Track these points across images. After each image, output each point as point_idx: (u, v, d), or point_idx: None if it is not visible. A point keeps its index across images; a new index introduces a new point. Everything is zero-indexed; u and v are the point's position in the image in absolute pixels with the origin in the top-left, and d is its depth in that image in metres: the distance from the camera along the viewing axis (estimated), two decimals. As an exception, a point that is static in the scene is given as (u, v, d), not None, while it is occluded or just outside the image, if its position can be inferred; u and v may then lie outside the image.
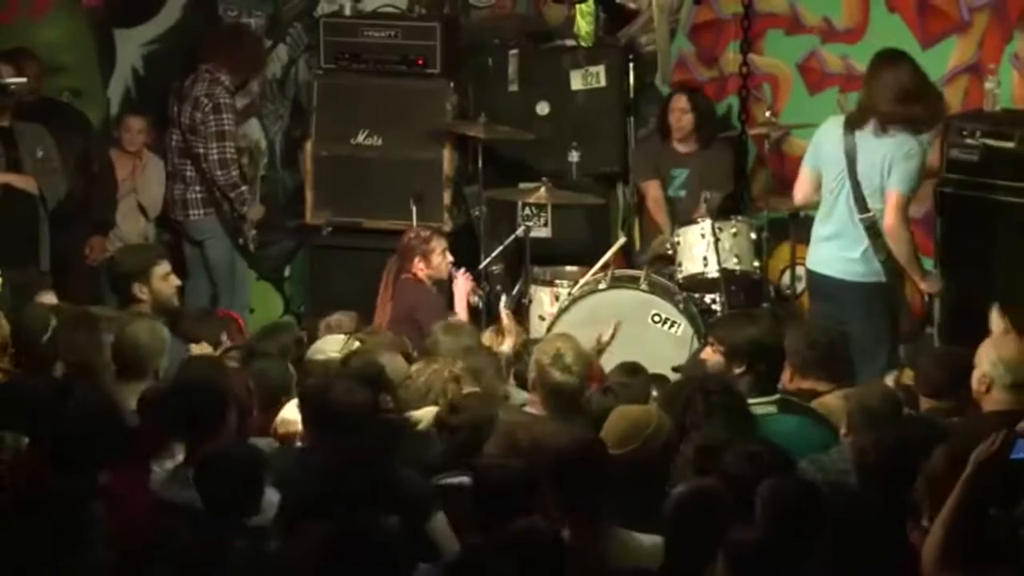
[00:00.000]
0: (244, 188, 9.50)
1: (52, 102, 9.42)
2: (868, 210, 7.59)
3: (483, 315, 8.72)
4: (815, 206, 7.90)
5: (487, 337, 7.72)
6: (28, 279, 7.72)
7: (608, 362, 7.54)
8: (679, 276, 8.65)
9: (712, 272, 8.58)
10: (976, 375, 6.10)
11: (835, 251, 7.68)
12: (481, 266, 8.96)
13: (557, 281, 8.78)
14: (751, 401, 6.41)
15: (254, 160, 10.15)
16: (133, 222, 9.55)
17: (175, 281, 7.72)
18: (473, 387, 6.55)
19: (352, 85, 9.60)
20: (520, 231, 8.89)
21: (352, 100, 9.60)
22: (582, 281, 8.58)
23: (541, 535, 4.81)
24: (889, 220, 7.57)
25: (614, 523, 5.25)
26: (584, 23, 9.72)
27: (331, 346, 7.00)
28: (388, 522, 5.14)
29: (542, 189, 8.82)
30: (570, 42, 9.73)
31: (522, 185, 9.15)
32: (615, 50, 9.66)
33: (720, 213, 8.75)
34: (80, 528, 4.83)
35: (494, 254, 8.97)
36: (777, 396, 6.55)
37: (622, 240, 9.07)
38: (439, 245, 8.58)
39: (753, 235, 8.69)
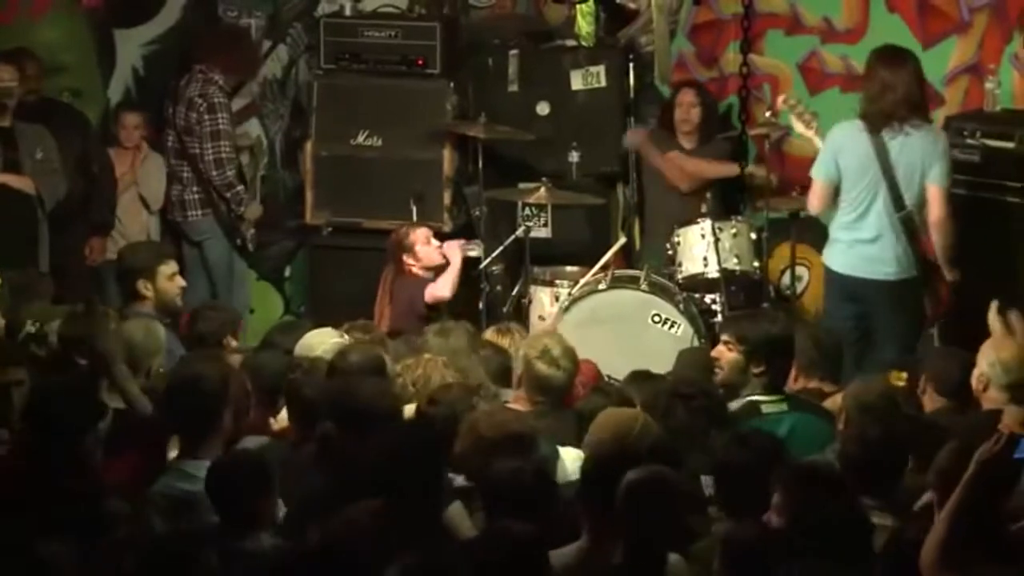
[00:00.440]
0: (240, 188, 9.50)
1: (52, 102, 9.42)
2: (904, 207, 7.63)
3: (483, 316, 8.73)
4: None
5: (490, 335, 7.71)
6: (27, 280, 7.70)
7: (609, 363, 7.52)
8: (679, 276, 8.65)
9: (712, 272, 8.58)
10: (975, 374, 6.20)
11: (877, 252, 7.67)
12: (481, 266, 8.96)
13: (557, 281, 8.78)
14: (762, 399, 6.43)
15: (255, 159, 10.16)
16: (135, 215, 9.55)
17: (180, 282, 7.69)
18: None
19: (352, 85, 9.59)
20: (520, 231, 8.89)
21: (352, 100, 9.60)
22: (582, 281, 8.58)
23: (518, 537, 4.72)
24: (939, 214, 7.63)
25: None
26: (585, 23, 9.72)
27: (318, 341, 6.92)
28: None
29: (542, 189, 8.82)
30: (570, 42, 9.72)
31: (522, 185, 9.14)
32: (615, 50, 9.66)
33: (720, 213, 8.76)
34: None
35: (494, 254, 8.96)
36: (786, 394, 6.57)
37: (622, 240, 9.07)
38: (420, 235, 8.62)
39: (753, 235, 8.69)
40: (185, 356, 6.98)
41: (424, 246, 8.64)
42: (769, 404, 6.42)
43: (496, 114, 9.33)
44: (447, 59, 9.51)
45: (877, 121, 7.63)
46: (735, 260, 8.61)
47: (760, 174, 8.93)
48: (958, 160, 8.16)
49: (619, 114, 9.58)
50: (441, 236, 8.94)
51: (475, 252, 8.83)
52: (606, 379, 7.27)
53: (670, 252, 8.74)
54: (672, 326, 8.33)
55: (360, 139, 9.57)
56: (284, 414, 6.38)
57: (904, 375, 7.08)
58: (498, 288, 9.08)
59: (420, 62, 9.47)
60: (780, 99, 8.17)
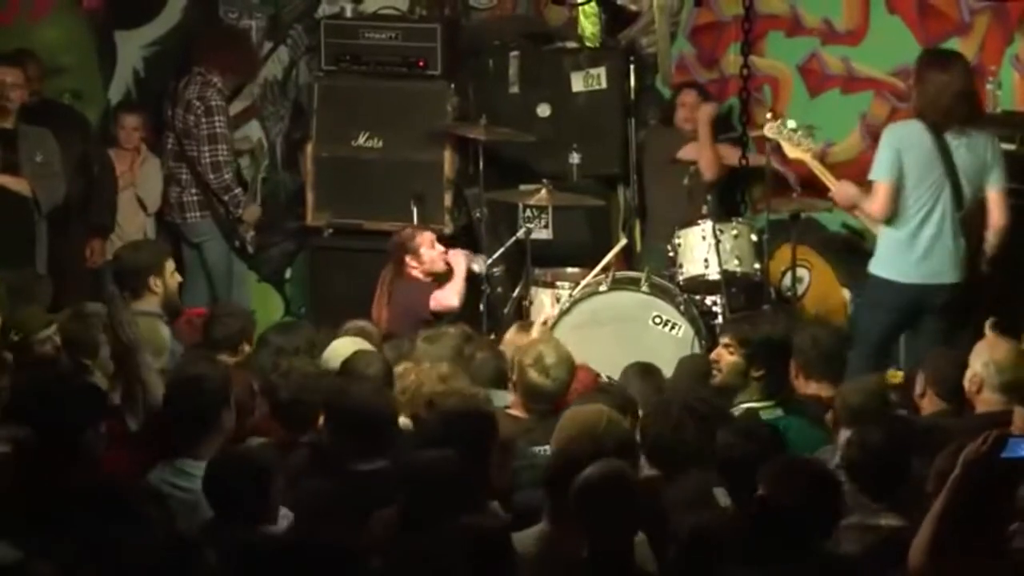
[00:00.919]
0: (238, 191, 9.50)
1: (53, 104, 9.42)
2: (963, 208, 7.62)
3: (484, 317, 8.73)
4: None
5: (512, 333, 7.72)
6: (25, 282, 7.69)
7: (610, 364, 7.51)
8: (680, 278, 8.65)
9: (713, 274, 8.59)
10: (968, 375, 6.19)
11: (938, 256, 7.60)
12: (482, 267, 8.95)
13: (558, 283, 8.79)
14: (758, 405, 6.43)
15: (255, 161, 10.16)
16: (132, 216, 9.56)
17: (179, 278, 7.72)
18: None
19: (353, 87, 9.60)
20: (521, 233, 8.89)
21: (353, 102, 9.60)
22: (583, 283, 8.58)
23: (487, 532, 4.77)
24: (1002, 220, 7.61)
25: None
26: (588, 24, 9.73)
27: (345, 349, 6.89)
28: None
29: (543, 191, 8.82)
30: (571, 44, 9.73)
31: (523, 187, 9.13)
32: (616, 52, 9.66)
33: (721, 215, 8.76)
34: None
35: (495, 256, 8.96)
36: (780, 399, 6.58)
37: (623, 242, 9.07)
38: (426, 239, 8.61)
39: (754, 237, 8.69)
40: (185, 356, 6.98)
41: (428, 249, 8.62)
42: (765, 410, 6.45)
43: (497, 116, 9.33)
44: (448, 61, 9.52)
45: (938, 121, 7.57)
46: (736, 262, 8.61)
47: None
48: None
49: (620, 116, 9.58)
50: (442, 240, 8.93)
51: (478, 267, 8.79)
52: (607, 380, 7.26)
53: (671, 254, 8.73)
54: (673, 327, 8.33)
55: (361, 141, 9.57)
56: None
57: (900, 373, 7.07)
58: (499, 290, 9.07)
59: (421, 64, 9.47)
60: (766, 128, 8.15)
